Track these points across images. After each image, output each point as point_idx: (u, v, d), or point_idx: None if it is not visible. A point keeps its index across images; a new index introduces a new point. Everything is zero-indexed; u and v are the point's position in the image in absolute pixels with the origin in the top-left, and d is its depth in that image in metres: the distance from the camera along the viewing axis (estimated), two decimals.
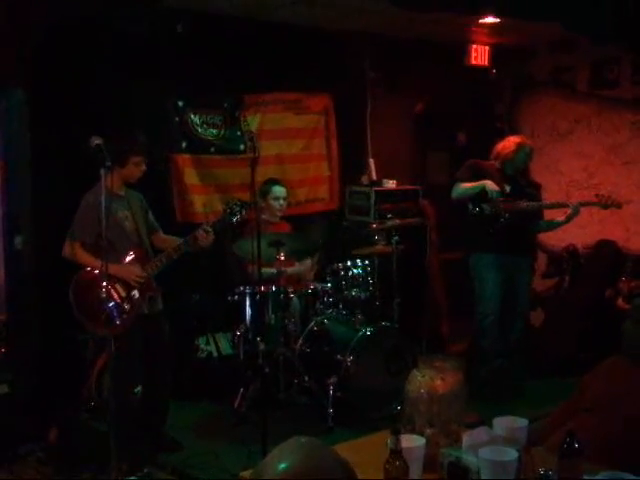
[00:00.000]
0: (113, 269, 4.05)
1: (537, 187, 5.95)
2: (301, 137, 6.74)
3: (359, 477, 1.61)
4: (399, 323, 5.61)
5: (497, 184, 5.55)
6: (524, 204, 5.61)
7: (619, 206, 5.52)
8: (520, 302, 5.76)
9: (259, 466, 1.54)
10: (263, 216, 5.50)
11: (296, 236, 5.53)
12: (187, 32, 5.67)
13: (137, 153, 4.40)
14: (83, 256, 4.31)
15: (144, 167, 4.47)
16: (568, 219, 5.58)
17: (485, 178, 5.58)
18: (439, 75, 7.23)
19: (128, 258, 4.39)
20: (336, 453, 1.58)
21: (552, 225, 5.83)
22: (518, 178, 5.77)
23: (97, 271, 4.21)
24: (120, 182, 4.40)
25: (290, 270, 5.48)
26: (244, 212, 4.58)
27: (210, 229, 4.44)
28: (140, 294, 4.36)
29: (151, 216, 4.68)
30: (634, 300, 3.10)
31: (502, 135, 6.39)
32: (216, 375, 5.57)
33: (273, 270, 5.15)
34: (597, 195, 5.60)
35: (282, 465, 1.48)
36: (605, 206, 5.51)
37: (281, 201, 5.70)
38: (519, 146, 5.72)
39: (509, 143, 5.78)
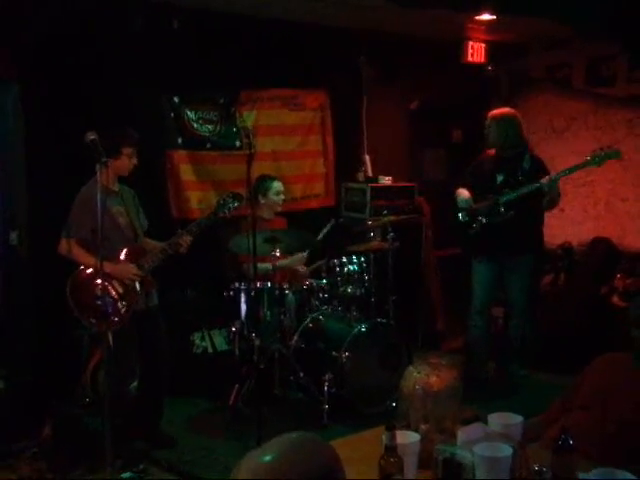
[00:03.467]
0: (109, 268, 4.05)
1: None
2: (297, 133, 6.74)
3: (354, 474, 1.60)
4: (394, 320, 5.61)
5: (489, 176, 5.43)
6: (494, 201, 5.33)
7: (618, 154, 5.13)
8: (515, 301, 5.68)
9: (244, 458, 1.52)
10: (260, 213, 5.50)
11: (291, 232, 5.53)
12: (183, 28, 5.67)
13: (129, 144, 4.41)
14: (79, 253, 4.31)
15: (135, 160, 4.47)
16: (549, 202, 5.34)
17: (477, 177, 5.50)
18: (435, 72, 7.23)
19: (123, 253, 4.39)
20: (329, 448, 1.57)
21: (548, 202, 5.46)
22: (520, 162, 5.43)
23: (92, 270, 4.23)
24: (113, 176, 4.39)
25: (284, 262, 5.46)
26: (236, 204, 4.59)
27: (189, 236, 4.45)
28: (139, 285, 4.37)
29: (142, 215, 4.67)
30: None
31: None
32: (211, 371, 5.56)
33: (268, 265, 5.15)
34: (593, 151, 5.15)
35: (267, 457, 1.47)
36: (600, 160, 5.10)
37: (282, 195, 5.72)
38: (489, 120, 5.52)
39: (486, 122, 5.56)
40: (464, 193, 5.49)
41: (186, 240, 4.44)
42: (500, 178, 5.46)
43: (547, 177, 5.24)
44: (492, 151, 5.60)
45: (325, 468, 1.49)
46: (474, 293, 5.67)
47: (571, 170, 5.30)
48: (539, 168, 5.45)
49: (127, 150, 4.40)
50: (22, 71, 5.03)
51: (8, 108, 5.07)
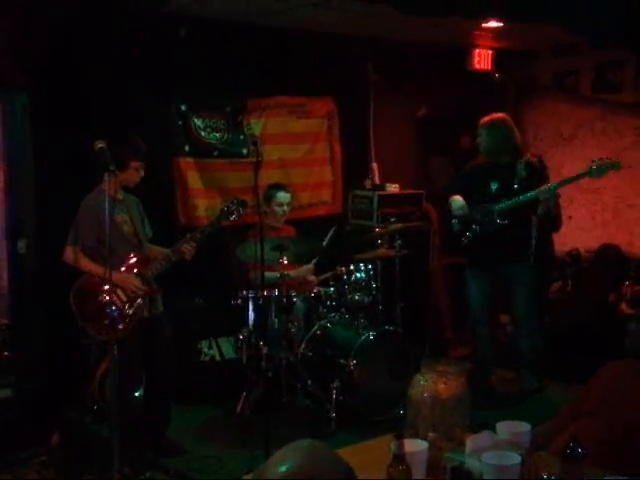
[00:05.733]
0: (114, 277, 4.04)
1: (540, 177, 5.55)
2: (304, 141, 6.75)
3: (360, 479, 1.60)
4: (402, 327, 5.60)
5: (483, 184, 5.40)
6: (494, 208, 5.26)
7: (618, 166, 5.07)
8: (519, 311, 5.62)
9: (260, 468, 1.54)
10: (267, 221, 5.51)
11: (299, 240, 5.53)
12: (190, 36, 5.69)
13: (137, 158, 4.41)
14: (84, 261, 4.32)
15: (142, 173, 4.48)
16: (544, 210, 5.22)
17: (471, 184, 5.46)
18: (442, 79, 7.24)
19: (128, 261, 4.39)
20: (337, 455, 1.58)
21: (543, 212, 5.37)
22: (514, 170, 5.34)
23: (95, 278, 4.24)
24: (119, 186, 4.40)
25: (293, 274, 5.48)
26: (242, 210, 4.59)
27: (193, 243, 4.44)
28: (142, 297, 4.37)
29: (146, 224, 4.68)
30: None
31: None
32: (219, 379, 5.56)
33: (276, 274, 5.15)
34: (593, 161, 5.08)
35: (283, 467, 1.49)
36: (599, 172, 5.01)
37: (285, 207, 5.71)
38: (480, 128, 5.48)
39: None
40: (459, 199, 5.42)
41: (189, 248, 4.43)
42: (495, 186, 5.41)
43: (544, 186, 5.17)
44: (482, 158, 5.54)
45: (339, 475, 1.50)
46: (470, 303, 5.64)
47: (568, 181, 5.22)
48: (536, 174, 5.36)
49: (135, 164, 4.40)
50: (31, 79, 5.05)
51: (17, 116, 5.10)
